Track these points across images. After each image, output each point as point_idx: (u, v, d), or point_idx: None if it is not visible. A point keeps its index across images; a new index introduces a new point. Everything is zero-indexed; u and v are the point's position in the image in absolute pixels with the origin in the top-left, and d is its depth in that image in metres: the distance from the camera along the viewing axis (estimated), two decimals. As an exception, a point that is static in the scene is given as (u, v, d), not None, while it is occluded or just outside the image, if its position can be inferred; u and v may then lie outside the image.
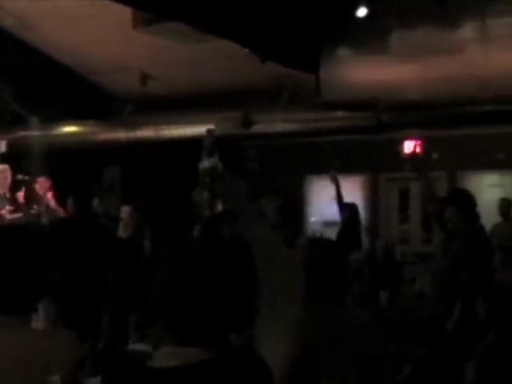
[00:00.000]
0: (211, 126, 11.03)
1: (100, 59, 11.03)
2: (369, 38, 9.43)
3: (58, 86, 11.46)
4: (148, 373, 1.97)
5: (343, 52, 9.78)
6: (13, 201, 10.22)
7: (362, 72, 9.66)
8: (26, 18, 10.05)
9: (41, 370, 2.22)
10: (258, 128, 11.28)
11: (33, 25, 10.24)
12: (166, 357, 2.00)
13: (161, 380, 1.94)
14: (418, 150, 7.13)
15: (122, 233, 8.95)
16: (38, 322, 3.02)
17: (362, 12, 9.21)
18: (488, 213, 8.32)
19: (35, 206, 10.10)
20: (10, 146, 12.58)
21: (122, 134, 12.14)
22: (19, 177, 11.15)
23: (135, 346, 5.60)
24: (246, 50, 9.03)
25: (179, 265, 2.08)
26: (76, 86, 11.68)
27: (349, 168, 12.14)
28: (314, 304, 3.31)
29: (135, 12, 9.17)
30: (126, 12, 9.07)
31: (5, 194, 10.84)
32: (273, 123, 11.33)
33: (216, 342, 2.03)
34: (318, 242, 3.88)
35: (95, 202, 9.01)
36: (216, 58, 10.09)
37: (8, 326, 2.34)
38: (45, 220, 9.42)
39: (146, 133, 11.97)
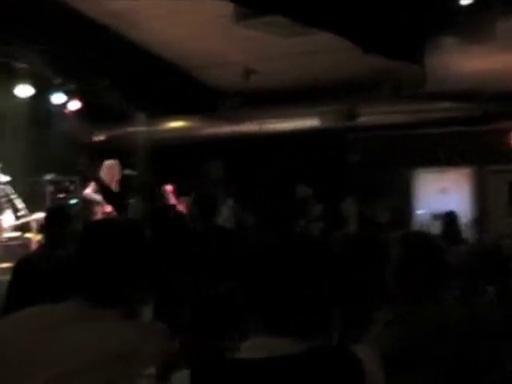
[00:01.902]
0: (315, 120, 11.07)
1: (202, 54, 11.09)
2: (474, 27, 9.18)
3: (163, 81, 11.61)
4: (236, 364, 1.96)
5: (448, 41, 9.55)
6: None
7: (467, 61, 9.44)
8: (128, 15, 10.20)
9: (133, 363, 2.23)
10: (362, 120, 11.18)
11: (136, 22, 10.38)
12: (254, 348, 1.99)
13: (247, 372, 1.92)
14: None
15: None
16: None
17: (466, 0, 8.98)
18: None
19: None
20: (116, 141, 12.89)
21: (226, 129, 12.22)
22: (127, 172, 11.40)
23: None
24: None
25: (280, 255, 2.05)
26: (180, 82, 11.80)
27: (455, 160, 11.90)
28: (414, 300, 3.25)
29: (236, 6, 9.18)
30: (227, 6, 9.09)
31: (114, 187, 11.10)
32: (377, 115, 11.22)
33: (307, 335, 1.99)
34: (415, 236, 3.79)
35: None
36: (317, 51, 10.02)
37: (101, 318, 2.35)
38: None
39: (250, 127, 12.01)
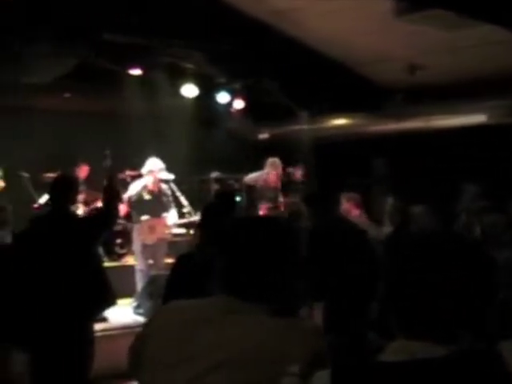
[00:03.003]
0: (482, 116, 10.58)
1: (365, 50, 10.91)
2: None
3: (326, 78, 11.52)
4: (377, 367, 1.90)
5: None
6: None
7: None
8: (291, 13, 10.20)
9: (278, 360, 2.20)
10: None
11: (298, 20, 10.37)
12: (395, 351, 1.92)
13: (389, 375, 1.85)
14: None
15: (387, 225, 8.78)
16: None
17: None
18: None
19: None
20: (280, 139, 12.95)
21: (391, 126, 11.97)
22: (289, 170, 11.42)
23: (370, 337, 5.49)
24: None
25: (430, 256, 1.96)
26: (344, 78, 11.66)
27: None
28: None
29: (396, 1, 8.97)
30: (387, 1, 8.92)
31: (276, 186, 11.17)
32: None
33: (450, 338, 1.90)
34: None
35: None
36: (482, 44, 9.57)
37: (250, 313, 2.35)
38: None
39: (416, 123, 11.69)
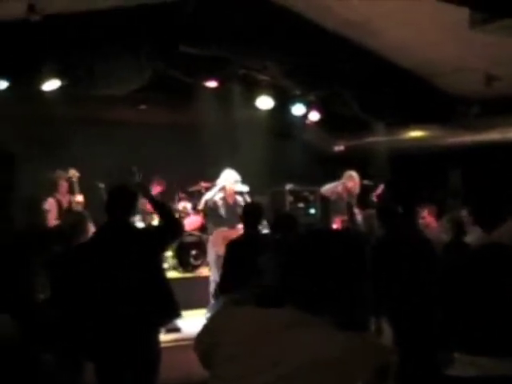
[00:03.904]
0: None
1: (439, 61, 10.78)
2: None
3: (401, 89, 11.45)
4: (447, 381, 1.99)
5: None
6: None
7: None
8: (365, 25, 10.18)
9: (343, 373, 2.22)
10: None
11: (372, 31, 10.34)
12: (464, 366, 1.97)
13: None
14: None
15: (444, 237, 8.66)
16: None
17: None
18: None
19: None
20: (356, 151, 12.89)
21: (466, 138, 11.80)
22: (366, 182, 11.34)
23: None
24: None
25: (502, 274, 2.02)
26: (418, 90, 11.56)
27: None
28: None
29: (471, 12, 8.85)
30: (463, 12, 8.80)
31: (352, 198, 11.09)
32: None
33: None
34: None
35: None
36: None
37: (315, 326, 2.36)
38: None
39: (493, 135, 11.49)
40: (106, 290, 5.25)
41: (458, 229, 7.02)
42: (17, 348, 5.20)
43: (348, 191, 10.77)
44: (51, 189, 9.67)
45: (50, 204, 9.33)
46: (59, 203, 9.60)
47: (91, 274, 5.29)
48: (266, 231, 9.91)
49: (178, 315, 5.95)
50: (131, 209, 5.60)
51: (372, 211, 10.72)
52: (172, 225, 5.72)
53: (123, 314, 5.21)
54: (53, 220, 8.99)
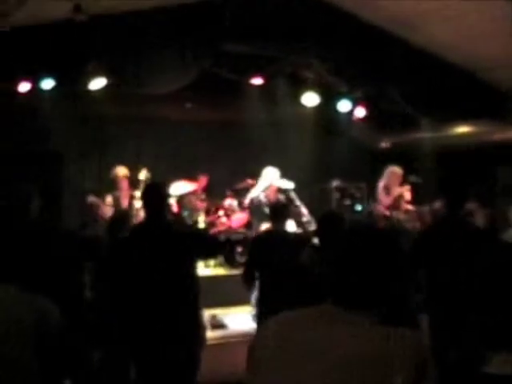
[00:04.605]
0: None
1: (486, 55, 10.63)
2: None
3: (449, 85, 11.31)
4: (484, 378, 1.95)
5: None
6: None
7: None
8: (410, 19, 10.09)
9: (381, 370, 2.22)
10: None
11: (418, 26, 10.23)
12: (502, 363, 1.96)
13: None
14: None
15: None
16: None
17: None
18: None
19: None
20: (403, 148, 12.77)
21: (515, 134, 11.64)
22: (412, 178, 11.22)
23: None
24: None
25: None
26: (466, 85, 11.41)
27: None
28: None
29: (518, 5, 8.73)
30: (509, 5, 8.68)
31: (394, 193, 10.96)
32: None
33: None
34: None
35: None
36: None
37: (354, 323, 2.38)
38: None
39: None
40: (147, 282, 5.33)
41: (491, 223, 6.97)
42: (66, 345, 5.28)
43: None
44: (111, 186, 9.96)
45: (107, 201, 9.74)
46: (116, 200, 9.84)
47: (129, 269, 5.38)
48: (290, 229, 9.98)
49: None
50: (164, 204, 5.66)
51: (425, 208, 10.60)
52: (217, 252, 5.96)
53: (158, 306, 5.29)
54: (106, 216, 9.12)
